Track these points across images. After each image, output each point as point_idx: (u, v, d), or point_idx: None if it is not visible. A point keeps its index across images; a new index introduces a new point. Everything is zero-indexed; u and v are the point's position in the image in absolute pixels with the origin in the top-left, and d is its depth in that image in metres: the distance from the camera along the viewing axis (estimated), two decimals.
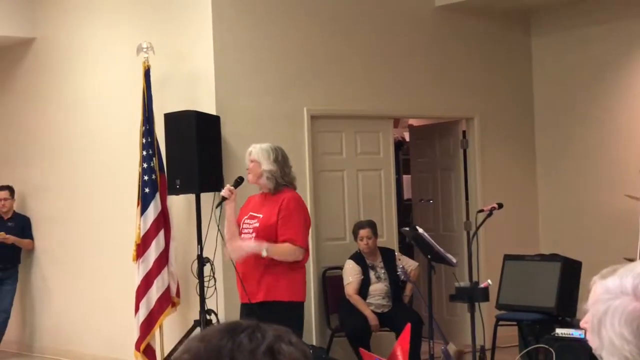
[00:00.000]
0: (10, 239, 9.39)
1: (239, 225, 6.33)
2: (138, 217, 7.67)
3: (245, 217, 6.33)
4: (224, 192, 6.25)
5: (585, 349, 6.64)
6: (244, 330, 1.45)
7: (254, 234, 6.24)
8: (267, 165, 6.22)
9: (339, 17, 8.36)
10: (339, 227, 8.33)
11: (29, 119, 9.73)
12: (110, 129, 8.67)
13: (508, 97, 9.53)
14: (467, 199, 9.28)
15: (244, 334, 1.44)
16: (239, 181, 6.38)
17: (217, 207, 6.44)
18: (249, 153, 6.35)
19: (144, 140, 7.67)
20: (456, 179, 9.39)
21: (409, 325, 6.54)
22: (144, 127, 7.68)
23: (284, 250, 6.15)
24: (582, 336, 6.62)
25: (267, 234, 6.19)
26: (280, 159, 6.29)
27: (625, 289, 1.33)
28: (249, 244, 6.13)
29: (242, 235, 6.30)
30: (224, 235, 6.45)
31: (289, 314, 6.16)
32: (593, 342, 1.34)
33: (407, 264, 7.98)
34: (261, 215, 6.25)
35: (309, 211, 6.67)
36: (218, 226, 6.51)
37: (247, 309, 6.35)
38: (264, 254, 6.07)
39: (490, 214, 7.08)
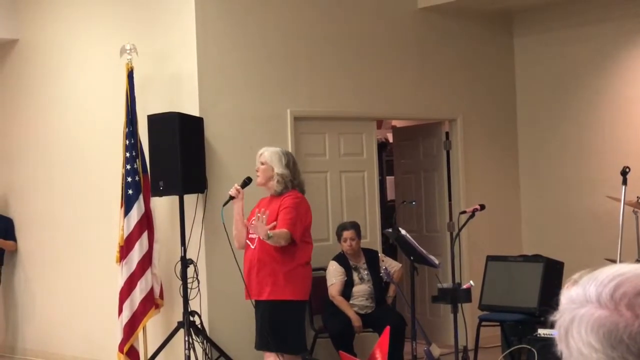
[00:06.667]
0: None
1: (246, 226, 6.46)
2: (121, 219, 7.67)
3: (254, 218, 6.44)
4: (231, 192, 6.42)
5: None
6: None
7: None
8: (279, 169, 6.43)
9: (322, 19, 8.37)
10: (323, 229, 8.33)
11: (12, 121, 9.70)
12: (93, 130, 8.65)
13: (491, 98, 9.57)
14: (450, 200, 9.31)
15: None
16: (246, 181, 6.54)
17: (224, 206, 6.53)
18: (260, 155, 6.52)
19: (127, 142, 7.67)
20: (439, 180, 9.41)
21: (388, 328, 6.58)
22: (127, 129, 7.68)
23: (281, 234, 6.32)
24: None
25: None
26: (292, 164, 6.52)
27: (589, 298, 1.37)
28: (263, 228, 6.23)
29: (250, 236, 6.47)
30: (229, 233, 6.61)
31: (295, 312, 6.31)
32: (562, 351, 1.38)
33: (390, 265, 7.99)
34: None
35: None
36: (223, 224, 6.54)
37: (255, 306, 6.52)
38: (267, 238, 6.23)
39: (472, 216, 7.10)
